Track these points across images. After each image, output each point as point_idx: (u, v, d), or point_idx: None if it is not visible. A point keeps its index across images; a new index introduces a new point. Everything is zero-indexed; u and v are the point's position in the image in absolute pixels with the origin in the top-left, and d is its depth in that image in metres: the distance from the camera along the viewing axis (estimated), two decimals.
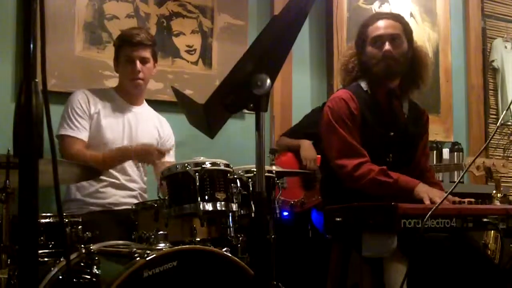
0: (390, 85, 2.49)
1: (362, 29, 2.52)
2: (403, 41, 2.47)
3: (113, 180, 2.75)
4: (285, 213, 3.17)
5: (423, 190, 2.23)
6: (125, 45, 2.77)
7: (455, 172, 4.04)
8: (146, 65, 2.80)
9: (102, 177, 2.67)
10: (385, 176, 2.30)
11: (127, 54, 2.77)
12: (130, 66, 2.77)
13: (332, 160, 2.42)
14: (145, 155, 2.67)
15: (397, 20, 2.49)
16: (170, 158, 2.89)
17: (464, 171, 3.85)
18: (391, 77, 2.47)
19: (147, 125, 2.92)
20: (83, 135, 2.71)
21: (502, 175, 4.31)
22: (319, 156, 3.11)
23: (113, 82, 3.02)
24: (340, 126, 2.40)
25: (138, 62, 2.76)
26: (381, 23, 2.46)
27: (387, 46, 2.42)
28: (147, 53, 2.79)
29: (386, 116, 2.48)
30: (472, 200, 2.19)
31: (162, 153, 2.65)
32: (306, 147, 3.25)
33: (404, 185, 2.27)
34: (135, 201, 2.74)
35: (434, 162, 3.95)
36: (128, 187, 2.80)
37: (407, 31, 2.50)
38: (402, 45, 2.46)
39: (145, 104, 2.98)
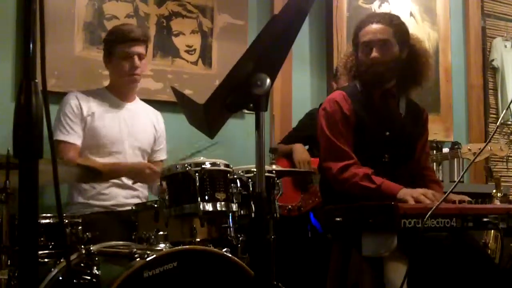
0: (385, 86, 2.49)
1: (356, 32, 2.54)
2: (393, 45, 2.45)
3: (116, 180, 2.75)
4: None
5: (406, 193, 2.21)
6: (121, 41, 2.75)
7: (455, 171, 4.04)
8: (142, 61, 2.80)
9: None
10: (368, 182, 2.30)
11: (124, 51, 2.74)
12: (128, 62, 2.75)
13: (320, 162, 2.46)
14: (137, 173, 2.64)
15: (387, 23, 2.47)
16: (162, 155, 2.95)
17: (464, 168, 3.85)
18: (381, 82, 2.48)
19: (144, 121, 2.93)
20: (75, 140, 2.68)
21: (502, 174, 4.31)
22: (313, 159, 3.12)
23: None
24: (329, 129, 2.42)
25: (136, 58, 2.75)
26: (370, 28, 2.46)
27: (374, 53, 2.43)
28: (143, 49, 2.80)
29: (381, 116, 2.48)
30: (467, 198, 2.19)
31: (155, 173, 2.60)
32: (298, 150, 3.26)
33: (387, 191, 2.26)
34: (138, 200, 2.74)
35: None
36: (131, 186, 2.79)
37: (399, 33, 2.48)
38: (392, 49, 2.45)
39: (137, 99, 2.97)
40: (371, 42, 2.44)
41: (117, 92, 2.86)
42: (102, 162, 2.68)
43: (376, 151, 2.43)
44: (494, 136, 4.42)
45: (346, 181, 2.34)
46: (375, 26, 2.46)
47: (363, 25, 2.49)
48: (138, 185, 2.83)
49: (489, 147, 3.49)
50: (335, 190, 2.44)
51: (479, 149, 3.40)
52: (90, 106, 2.75)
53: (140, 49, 2.77)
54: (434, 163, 3.83)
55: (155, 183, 2.79)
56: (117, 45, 2.76)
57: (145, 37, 2.80)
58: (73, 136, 2.68)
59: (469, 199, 2.23)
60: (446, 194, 2.00)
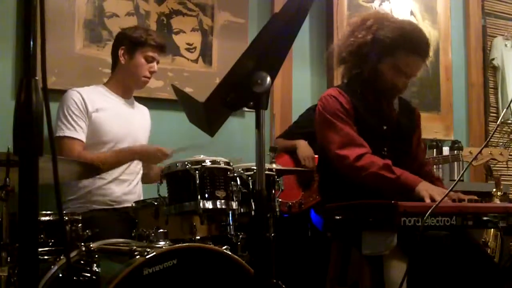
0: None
1: (393, 42, 2.37)
2: None
3: (113, 176, 2.75)
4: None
5: (424, 188, 2.20)
6: (149, 45, 2.80)
7: (455, 170, 4.04)
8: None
9: (103, 175, 2.67)
10: (388, 172, 2.26)
11: (148, 54, 2.81)
12: (148, 65, 2.81)
13: (332, 152, 2.37)
14: (148, 156, 2.71)
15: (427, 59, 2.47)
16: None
17: (464, 167, 3.85)
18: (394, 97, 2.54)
19: (140, 117, 2.97)
20: (81, 135, 2.68)
21: (502, 173, 4.31)
22: (316, 156, 3.12)
23: None
24: (336, 119, 2.39)
25: (155, 64, 2.85)
26: (415, 61, 2.40)
27: (406, 82, 2.44)
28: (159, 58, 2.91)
29: (377, 111, 2.48)
30: (474, 197, 2.19)
31: (165, 154, 2.66)
32: (303, 146, 3.25)
33: (406, 183, 2.24)
34: (134, 196, 2.75)
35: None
36: (127, 182, 2.80)
37: None
38: None
39: (132, 97, 3.00)
40: (410, 74, 2.43)
41: (118, 90, 2.86)
42: (114, 149, 2.72)
43: (375, 145, 2.42)
44: (494, 135, 4.42)
45: (363, 169, 2.29)
46: (419, 61, 2.42)
47: (408, 50, 2.37)
48: (134, 181, 2.84)
49: (489, 152, 3.50)
50: (335, 189, 2.44)
51: (480, 150, 3.40)
52: (94, 102, 2.75)
53: (159, 57, 2.88)
54: (435, 165, 3.85)
55: (153, 170, 2.92)
56: (146, 47, 2.80)
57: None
58: (79, 132, 2.68)
59: (477, 198, 2.22)
60: (447, 192, 2.00)
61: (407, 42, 2.37)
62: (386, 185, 2.26)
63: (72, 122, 2.67)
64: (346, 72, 2.57)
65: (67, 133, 2.66)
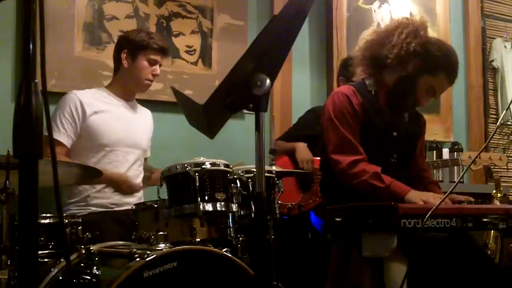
0: None
1: (439, 60, 2.36)
2: None
3: None
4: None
5: (415, 195, 2.21)
6: (152, 48, 2.79)
7: (455, 172, 4.04)
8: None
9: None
10: (378, 180, 2.27)
11: (150, 58, 2.79)
12: (151, 69, 2.80)
13: (328, 154, 2.40)
14: (115, 185, 2.67)
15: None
16: (148, 152, 3.00)
17: (463, 169, 3.85)
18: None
19: (142, 120, 2.96)
20: (64, 139, 2.66)
21: (502, 175, 4.31)
22: (316, 158, 3.12)
23: None
24: (339, 121, 2.37)
25: (158, 67, 2.83)
26: (446, 87, 2.44)
27: (427, 101, 2.46)
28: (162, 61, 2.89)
29: (387, 117, 2.47)
30: (471, 199, 2.19)
31: (130, 187, 2.67)
32: (301, 149, 3.26)
33: (396, 191, 2.25)
34: (134, 199, 2.75)
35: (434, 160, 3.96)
36: None
37: None
38: None
39: (134, 99, 3.00)
40: (438, 95, 2.46)
41: (120, 93, 2.86)
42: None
43: (385, 151, 2.42)
44: (494, 137, 4.43)
45: (355, 176, 2.30)
46: (449, 86, 2.46)
47: (450, 77, 2.40)
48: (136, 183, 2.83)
49: (488, 156, 3.51)
50: (337, 188, 2.44)
51: (477, 154, 3.42)
52: (93, 105, 2.74)
53: (162, 60, 2.87)
54: (435, 169, 3.85)
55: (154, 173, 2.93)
56: (146, 50, 2.79)
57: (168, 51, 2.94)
58: (63, 136, 2.66)
59: (472, 199, 2.23)
60: (446, 194, 2.00)
61: (450, 67, 2.39)
62: (376, 193, 2.27)
63: (59, 125, 2.66)
64: (361, 66, 2.53)
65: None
